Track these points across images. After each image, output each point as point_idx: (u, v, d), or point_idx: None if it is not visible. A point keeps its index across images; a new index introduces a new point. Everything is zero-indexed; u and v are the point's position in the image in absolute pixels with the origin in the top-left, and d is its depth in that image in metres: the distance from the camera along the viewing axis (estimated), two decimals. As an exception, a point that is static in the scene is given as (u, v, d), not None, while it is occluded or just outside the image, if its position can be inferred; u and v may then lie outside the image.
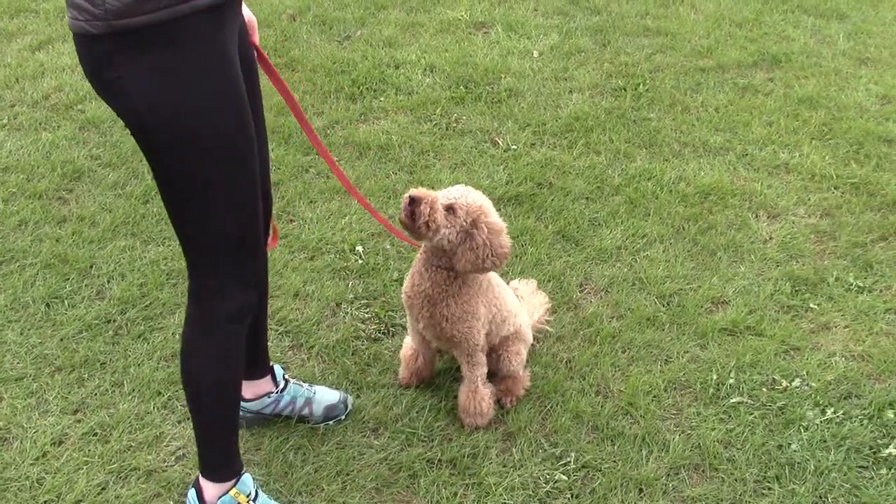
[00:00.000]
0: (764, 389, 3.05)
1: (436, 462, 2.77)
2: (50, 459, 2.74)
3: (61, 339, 3.20)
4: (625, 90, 5.10)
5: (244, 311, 2.24)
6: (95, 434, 2.83)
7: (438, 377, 3.10)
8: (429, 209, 2.50)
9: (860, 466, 2.77)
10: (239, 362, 2.32)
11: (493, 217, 2.62)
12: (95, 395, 2.98)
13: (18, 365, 3.09)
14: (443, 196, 2.59)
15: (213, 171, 2.00)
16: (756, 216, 4.00)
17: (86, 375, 3.06)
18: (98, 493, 2.63)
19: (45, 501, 2.60)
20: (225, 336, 2.21)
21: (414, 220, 2.53)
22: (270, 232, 2.54)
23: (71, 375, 3.05)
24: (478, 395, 2.85)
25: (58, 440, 2.81)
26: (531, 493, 2.67)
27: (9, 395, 2.97)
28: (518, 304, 3.04)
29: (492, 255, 2.57)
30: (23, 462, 2.72)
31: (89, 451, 2.77)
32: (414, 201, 2.51)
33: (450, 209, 2.56)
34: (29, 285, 3.47)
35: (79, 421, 2.88)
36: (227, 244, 2.12)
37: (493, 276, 2.86)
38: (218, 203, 2.05)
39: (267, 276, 2.61)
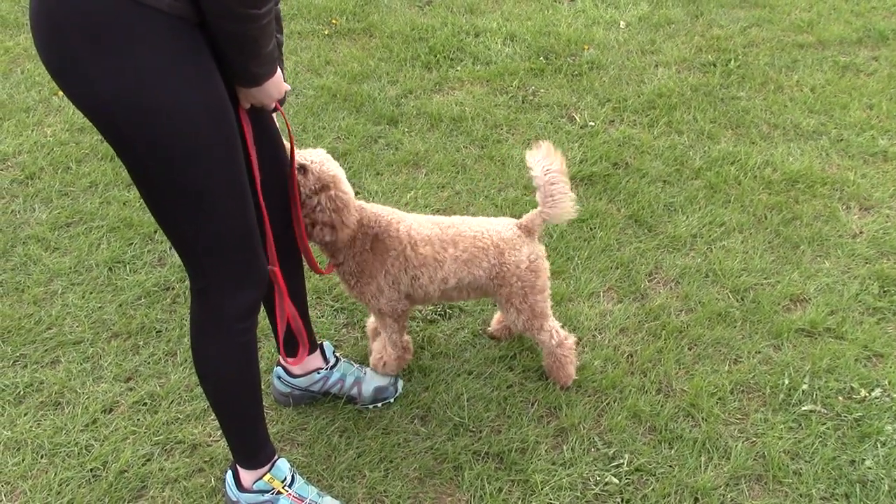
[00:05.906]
0: (840, 398, 2.84)
1: (482, 455, 2.67)
2: (99, 427, 2.75)
3: (120, 305, 3.21)
4: (714, 66, 4.83)
5: (252, 308, 2.13)
6: (145, 404, 2.83)
7: (493, 364, 2.99)
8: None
9: (941, 490, 2.56)
10: (254, 356, 2.23)
11: (345, 187, 2.51)
12: (149, 363, 2.98)
13: (77, 329, 3.12)
14: (300, 155, 2.47)
15: (189, 174, 1.85)
16: (846, 208, 3.73)
17: (141, 343, 3.06)
18: (143, 465, 2.63)
19: (91, 469, 2.61)
20: (236, 334, 2.12)
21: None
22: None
23: (127, 342, 3.06)
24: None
25: (108, 408, 2.82)
26: (579, 494, 2.55)
27: (66, 358, 3.00)
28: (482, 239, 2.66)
29: (330, 228, 2.49)
30: (73, 428, 2.74)
31: (138, 420, 2.77)
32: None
33: (302, 170, 2.44)
34: (94, 248, 3.50)
35: (131, 389, 2.89)
36: (220, 246, 1.99)
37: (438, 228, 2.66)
38: (202, 207, 1.90)
39: (296, 258, 2.54)
